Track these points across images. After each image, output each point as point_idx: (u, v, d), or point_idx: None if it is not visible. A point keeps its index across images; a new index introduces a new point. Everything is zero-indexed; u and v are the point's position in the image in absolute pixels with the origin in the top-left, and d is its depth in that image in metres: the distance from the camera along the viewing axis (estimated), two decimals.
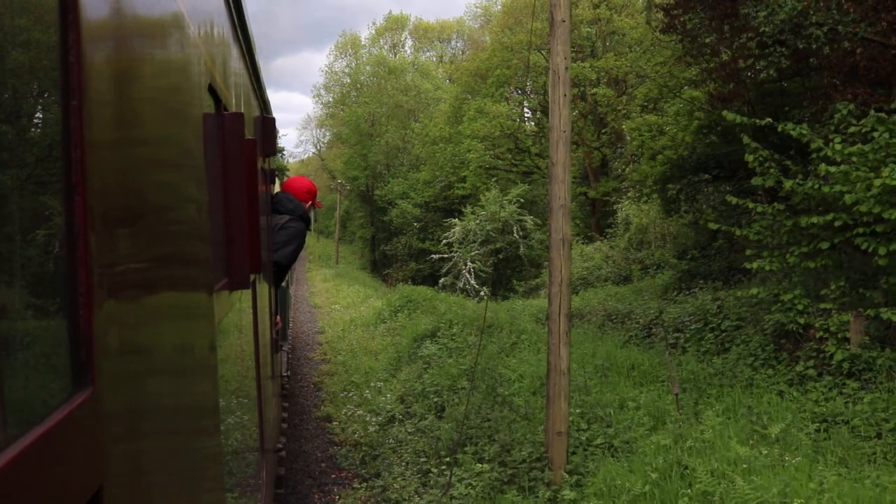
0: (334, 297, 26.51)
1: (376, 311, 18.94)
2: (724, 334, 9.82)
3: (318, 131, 71.01)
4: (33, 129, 0.90)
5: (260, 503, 3.45)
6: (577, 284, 21.59)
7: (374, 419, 10.28)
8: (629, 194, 23.88)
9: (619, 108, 34.90)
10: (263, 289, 4.55)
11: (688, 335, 10.38)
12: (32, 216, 0.86)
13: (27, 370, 0.82)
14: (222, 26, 2.81)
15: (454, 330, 12.69)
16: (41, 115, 0.92)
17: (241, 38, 3.55)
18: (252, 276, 3.33)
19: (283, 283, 8.84)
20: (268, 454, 4.33)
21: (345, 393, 11.46)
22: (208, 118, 2.20)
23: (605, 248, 22.44)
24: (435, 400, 10.03)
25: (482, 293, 29.46)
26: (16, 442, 0.71)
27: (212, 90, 2.35)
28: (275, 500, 4.97)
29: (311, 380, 13.88)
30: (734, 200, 9.61)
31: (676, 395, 6.96)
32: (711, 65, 14.50)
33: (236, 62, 3.37)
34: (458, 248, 31.30)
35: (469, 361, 10.44)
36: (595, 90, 34.21)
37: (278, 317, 7.37)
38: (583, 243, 24.58)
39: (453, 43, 66.39)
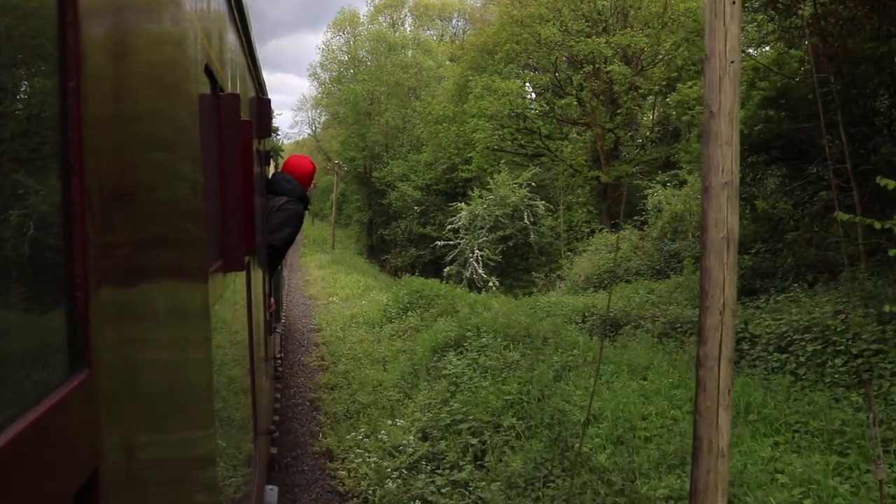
0: (331, 286, 23.84)
1: (381, 307, 16.31)
2: (858, 361, 7.27)
3: (314, 112, 67.85)
4: (31, 110, 0.86)
5: (253, 483, 3.41)
6: (603, 278, 19.06)
7: (389, 462, 7.71)
8: (657, 178, 21.24)
9: (637, 86, 32.21)
10: (258, 271, 4.40)
11: (801, 358, 7.83)
12: (29, 197, 0.82)
13: (24, 352, 0.79)
14: (219, 5, 2.66)
15: (484, 340, 10.08)
16: (38, 96, 0.87)
17: (237, 17, 3.38)
18: (247, 258, 3.14)
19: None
20: (260, 435, 4.25)
21: (353, 433, 8.81)
22: (204, 99, 2.16)
23: (634, 237, 19.86)
24: (471, 441, 7.47)
25: (491, 283, 26.89)
26: (12, 424, 0.69)
27: (208, 71, 2.27)
28: (267, 481, 4.81)
29: (307, 395, 11.27)
30: (892, 185, 7.01)
31: (881, 482, 4.42)
32: (792, 19, 11.88)
33: (232, 42, 3.23)
34: (465, 234, 28.68)
35: (516, 388, 7.86)
36: (610, 67, 31.45)
37: (272, 299, 6.96)
38: (608, 231, 21.96)
39: (454, 22, 63.36)
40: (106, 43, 1.02)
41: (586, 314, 13.52)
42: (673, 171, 21.53)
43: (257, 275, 4.35)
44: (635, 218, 20.61)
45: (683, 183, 20.96)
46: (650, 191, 20.30)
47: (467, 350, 9.99)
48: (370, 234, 46.80)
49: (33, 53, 0.85)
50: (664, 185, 20.55)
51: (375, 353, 12.78)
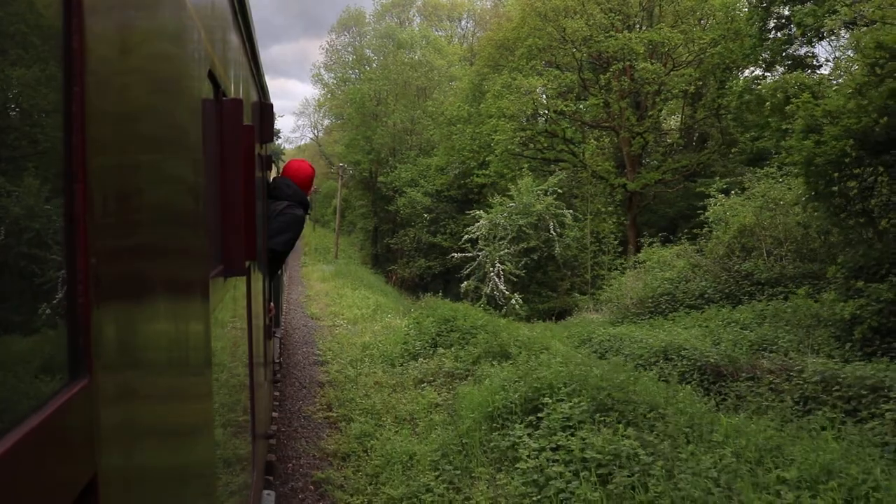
0: (336, 304, 20.64)
1: (400, 337, 13.13)
2: None
3: (317, 115, 64.74)
4: (35, 115, 0.85)
5: (250, 488, 3.32)
6: (660, 302, 15.92)
7: None
8: (714, 185, 18.09)
9: (670, 86, 29.15)
10: (258, 275, 4.28)
11: None
12: (32, 203, 0.81)
13: (25, 358, 0.79)
14: (222, 10, 2.66)
15: (566, 407, 6.89)
16: (43, 102, 0.85)
17: (240, 22, 3.36)
18: (247, 263, 3.08)
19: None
20: (259, 440, 4.14)
21: None
22: (207, 104, 2.12)
23: (692, 254, 16.72)
24: None
25: (513, 301, 23.73)
26: (13, 430, 0.69)
27: (211, 76, 2.25)
28: (264, 486, 4.66)
29: (310, 472, 8.09)
30: None
31: None
32: None
33: (235, 47, 3.20)
34: (484, 245, 25.52)
35: None
36: (643, 65, 28.38)
37: (271, 303, 6.56)
38: (658, 244, 18.79)
39: (463, 23, 60.44)
40: (110, 48, 1.01)
41: (670, 355, 10.35)
42: (730, 179, 18.40)
43: (257, 279, 4.20)
44: (694, 231, 17.47)
45: (742, 190, 17.87)
46: (710, 200, 17.15)
47: (544, 423, 6.82)
48: (375, 242, 43.67)
49: (39, 59, 0.82)
50: (725, 192, 17.42)
51: (400, 405, 9.60)
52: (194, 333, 1.65)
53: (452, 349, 10.76)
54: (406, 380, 10.69)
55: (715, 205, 16.68)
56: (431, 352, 11.57)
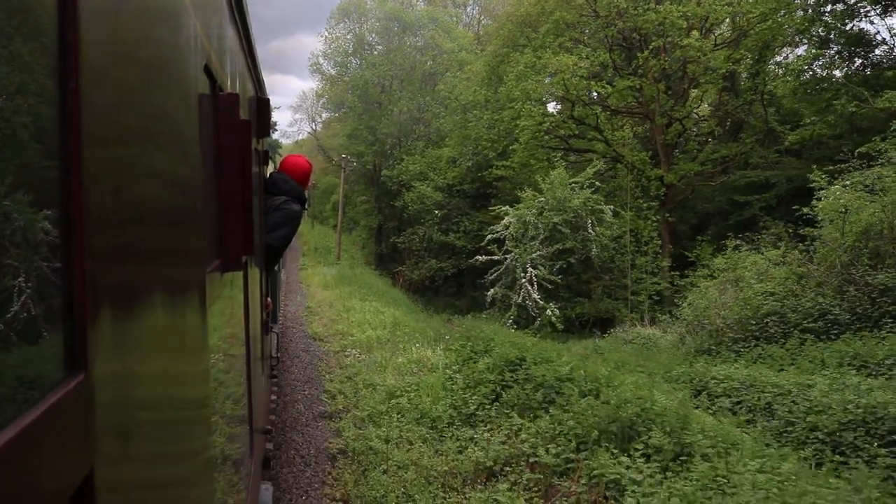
0: (342, 319, 16.77)
1: (439, 383, 9.33)
2: None
3: (315, 107, 60.65)
4: (31, 111, 0.80)
5: (248, 482, 3.23)
6: (766, 324, 12.14)
7: None
8: (816, 174, 14.24)
9: (713, 67, 25.38)
10: (255, 270, 4.15)
11: None
12: (26, 198, 0.78)
13: (20, 354, 0.77)
14: (218, 4, 2.57)
15: None
16: (39, 97, 0.82)
17: (236, 15, 3.22)
18: (244, 258, 2.96)
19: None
20: (256, 434, 4.04)
21: None
22: (203, 99, 2.07)
23: (800, 261, 12.95)
24: None
25: (549, 312, 19.94)
26: (8, 425, 0.68)
27: (207, 70, 2.16)
28: (262, 480, 4.55)
29: None
30: None
31: None
32: None
33: (232, 41, 3.08)
34: (513, 246, 21.71)
35: None
36: (687, 41, 24.58)
37: (268, 298, 6.32)
38: (754, 250, 14.94)
39: (469, 9, 56.54)
40: (106, 42, 0.98)
41: (880, 430, 6.57)
42: (831, 167, 14.56)
43: (255, 274, 4.13)
44: (797, 230, 13.70)
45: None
46: (822, 192, 13.34)
47: None
48: (379, 241, 39.82)
49: (34, 54, 0.80)
50: (834, 178, 13.61)
51: None
52: (191, 328, 1.60)
53: (535, 421, 6.92)
54: (465, 465, 6.86)
55: (832, 198, 12.84)
56: (492, 410, 7.78)
